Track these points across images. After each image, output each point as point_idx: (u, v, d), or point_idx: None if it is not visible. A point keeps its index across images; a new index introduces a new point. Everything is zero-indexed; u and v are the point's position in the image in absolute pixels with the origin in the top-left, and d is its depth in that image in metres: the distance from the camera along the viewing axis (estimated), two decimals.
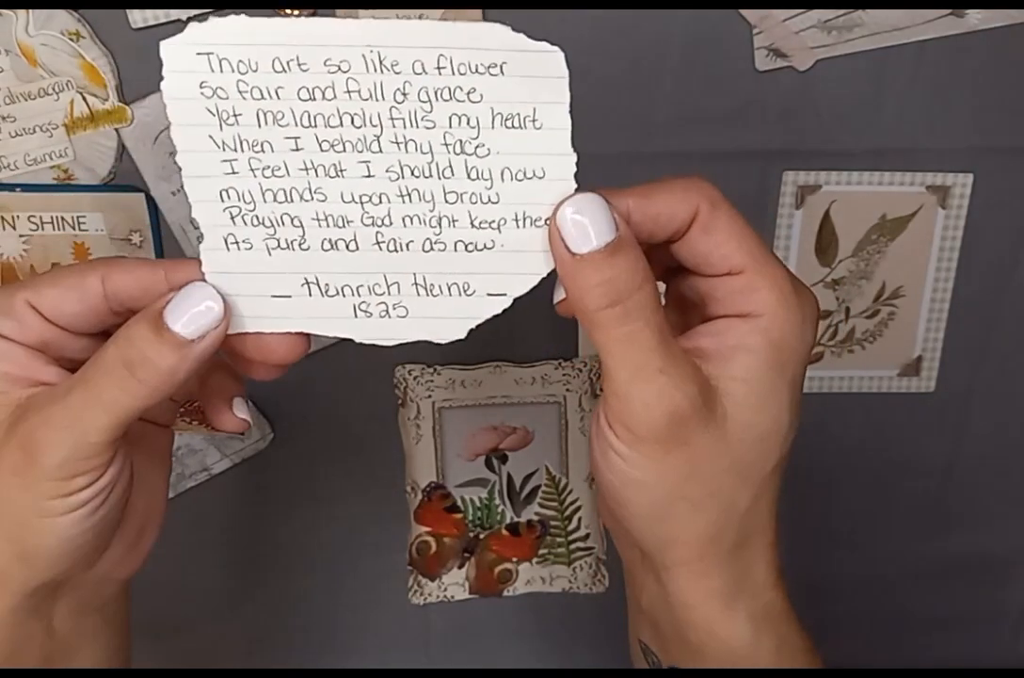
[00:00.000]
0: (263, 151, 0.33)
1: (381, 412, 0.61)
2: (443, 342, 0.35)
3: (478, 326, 0.35)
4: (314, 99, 0.32)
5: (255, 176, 0.33)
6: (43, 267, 0.55)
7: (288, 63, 0.32)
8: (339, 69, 0.32)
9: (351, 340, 0.35)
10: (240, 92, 0.32)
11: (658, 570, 0.37)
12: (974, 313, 0.60)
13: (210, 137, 0.32)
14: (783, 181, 0.56)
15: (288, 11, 0.51)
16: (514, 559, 0.65)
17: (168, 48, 0.32)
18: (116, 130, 0.53)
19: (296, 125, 0.32)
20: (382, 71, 0.32)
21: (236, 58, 0.31)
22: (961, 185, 0.57)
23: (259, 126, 0.32)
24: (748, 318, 0.34)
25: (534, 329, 0.59)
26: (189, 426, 0.60)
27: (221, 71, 0.32)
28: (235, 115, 0.32)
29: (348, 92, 0.32)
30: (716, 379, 0.34)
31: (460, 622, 0.66)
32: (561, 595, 0.66)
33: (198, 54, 0.32)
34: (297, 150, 0.33)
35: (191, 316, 0.32)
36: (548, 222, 0.33)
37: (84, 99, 0.52)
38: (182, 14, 0.50)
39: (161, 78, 0.32)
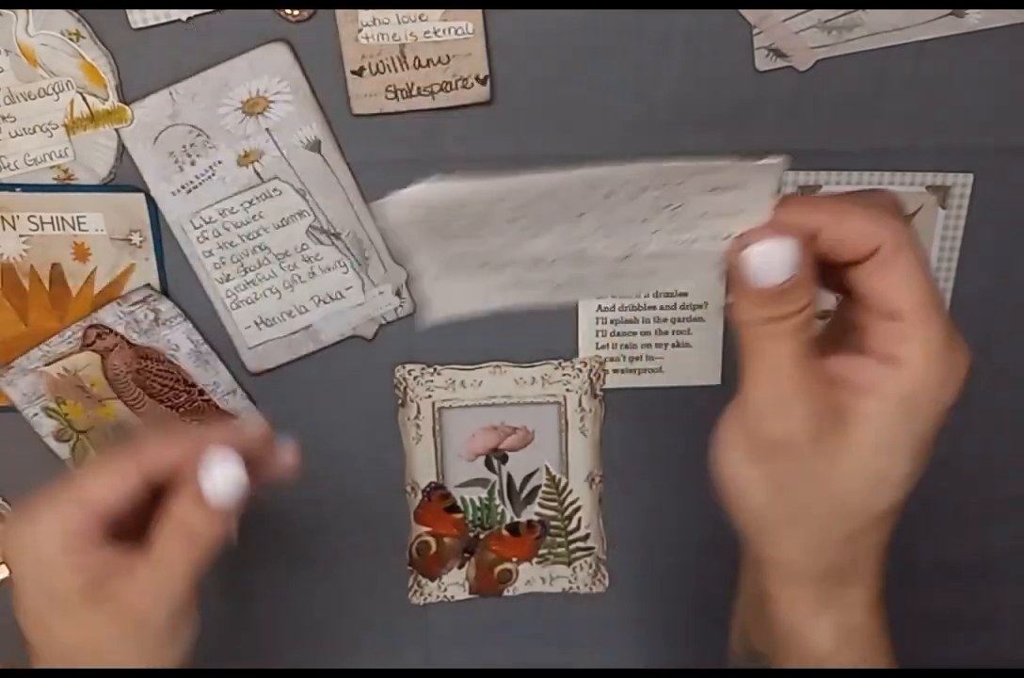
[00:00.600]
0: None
1: (381, 412, 0.61)
2: None
3: None
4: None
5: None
6: (43, 267, 0.55)
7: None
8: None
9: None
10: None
11: (756, 561, 0.40)
12: (973, 313, 0.60)
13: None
14: (783, 181, 0.56)
15: (288, 12, 0.51)
16: (514, 559, 0.65)
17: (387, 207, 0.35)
18: (116, 130, 0.53)
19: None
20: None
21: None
22: (961, 185, 0.57)
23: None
24: (891, 365, 0.35)
25: (534, 329, 0.59)
26: (189, 426, 0.60)
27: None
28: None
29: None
30: (843, 411, 0.35)
31: (460, 622, 0.66)
32: (561, 595, 0.66)
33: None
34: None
35: (224, 487, 0.41)
36: (736, 238, 0.35)
37: (84, 99, 0.52)
38: (182, 14, 0.50)
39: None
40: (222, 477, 0.41)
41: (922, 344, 0.35)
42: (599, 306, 0.59)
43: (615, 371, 0.60)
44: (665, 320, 0.58)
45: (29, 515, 0.43)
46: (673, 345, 0.59)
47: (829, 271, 0.36)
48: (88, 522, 0.42)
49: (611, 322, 0.59)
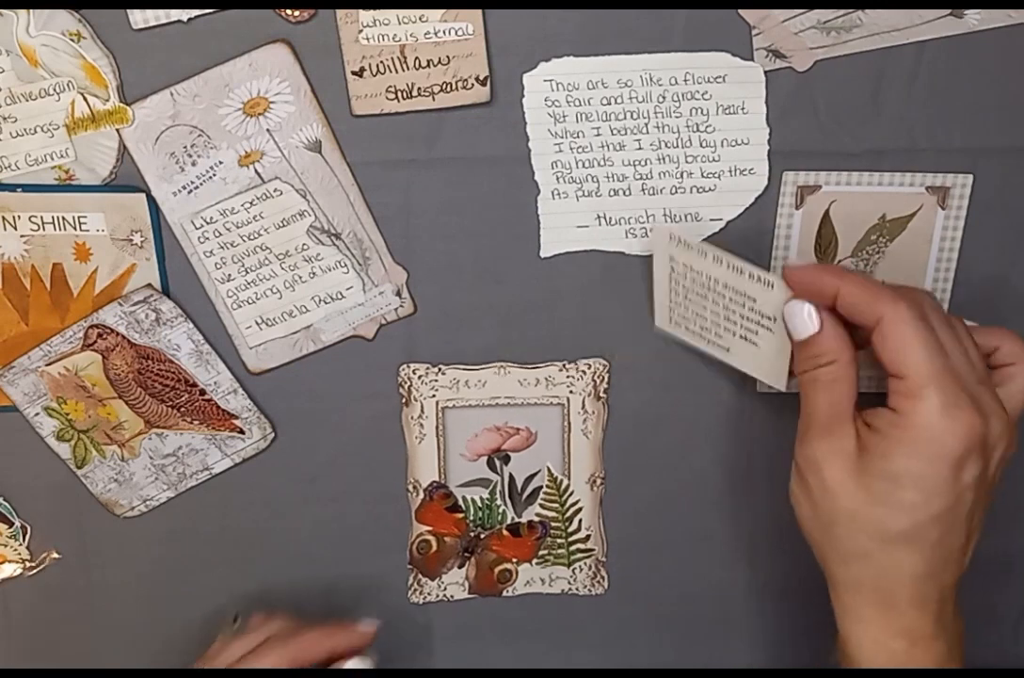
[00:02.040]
0: (577, 137, 0.54)
1: (384, 411, 0.61)
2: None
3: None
4: (610, 104, 0.54)
5: (572, 152, 0.54)
6: (44, 267, 0.55)
7: (595, 82, 0.53)
8: (625, 84, 0.53)
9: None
10: (567, 102, 0.53)
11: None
12: (974, 313, 0.60)
13: (547, 130, 0.54)
14: (783, 181, 0.56)
15: (288, 12, 0.51)
16: (514, 559, 0.65)
17: (528, 79, 0.53)
18: (117, 130, 0.53)
19: (598, 119, 0.54)
20: (651, 84, 0.53)
21: (565, 82, 0.53)
22: (961, 185, 0.57)
23: (576, 122, 0.54)
24: (898, 415, 0.45)
25: (538, 331, 0.59)
26: (190, 426, 0.60)
27: (556, 90, 0.53)
28: (563, 116, 0.54)
29: (630, 98, 0.53)
30: (863, 445, 0.46)
31: (460, 622, 0.66)
32: (560, 596, 0.66)
33: (544, 81, 0.53)
34: (598, 135, 0.54)
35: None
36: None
37: (85, 99, 0.52)
38: (182, 14, 0.50)
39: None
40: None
41: (920, 402, 0.43)
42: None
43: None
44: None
45: None
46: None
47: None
48: None
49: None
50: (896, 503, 0.45)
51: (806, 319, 0.46)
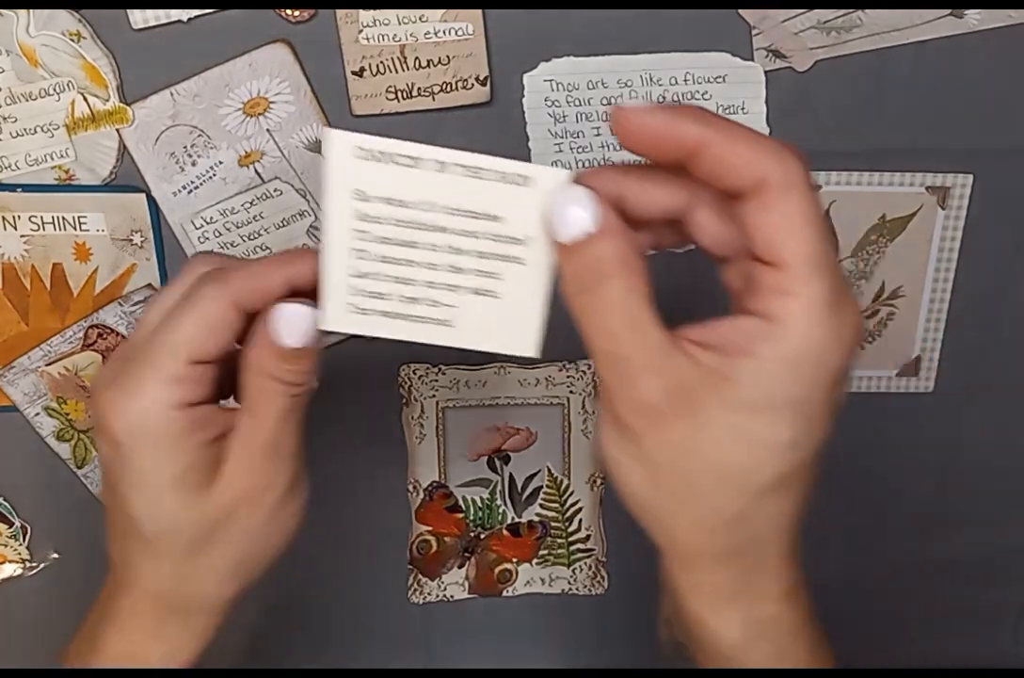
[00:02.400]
0: (577, 137, 0.55)
1: (384, 411, 0.61)
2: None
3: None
4: (610, 104, 0.53)
5: (572, 152, 0.55)
6: (44, 267, 0.55)
7: (595, 82, 0.53)
8: (625, 84, 0.53)
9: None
10: (567, 102, 0.54)
11: (659, 548, 0.37)
12: (973, 313, 0.60)
13: (547, 130, 0.54)
14: None
15: (288, 12, 0.51)
16: (514, 559, 0.65)
17: (527, 79, 0.52)
18: (117, 130, 0.53)
19: (598, 119, 0.54)
20: (651, 84, 0.53)
21: (565, 82, 0.53)
22: (961, 185, 0.57)
23: (576, 122, 0.54)
24: (770, 322, 0.31)
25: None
26: None
27: (556, 90, 0.54)
28: (563, 116, 0.54)
29: (630, 98, 0.53)
30: (713, 375, 0.32)
31: (460, 622, 0.66)
32: (560, 596, 0.66)
33: (544, 81, 0.53)
34: (598, 135, 0.55)
35: (294, 330, 0.36)
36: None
37: (85, 99, 0.52)
38: (182, 14, 0.50)
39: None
40: (293, 320, 0.36)
41: (805, 301, 0.31)
42: None
43: None
44: None
45: (118, 376, 0.37)
46: None
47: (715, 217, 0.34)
48: (199, 373, 0.37)
49: None
50: (775, 445, 0.33)
51: (582, 212, 0.33)
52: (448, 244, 0.35)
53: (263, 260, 0.38)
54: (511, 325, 0.36)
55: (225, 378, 0.39)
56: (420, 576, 0.65)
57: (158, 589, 0.39)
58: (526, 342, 0.37)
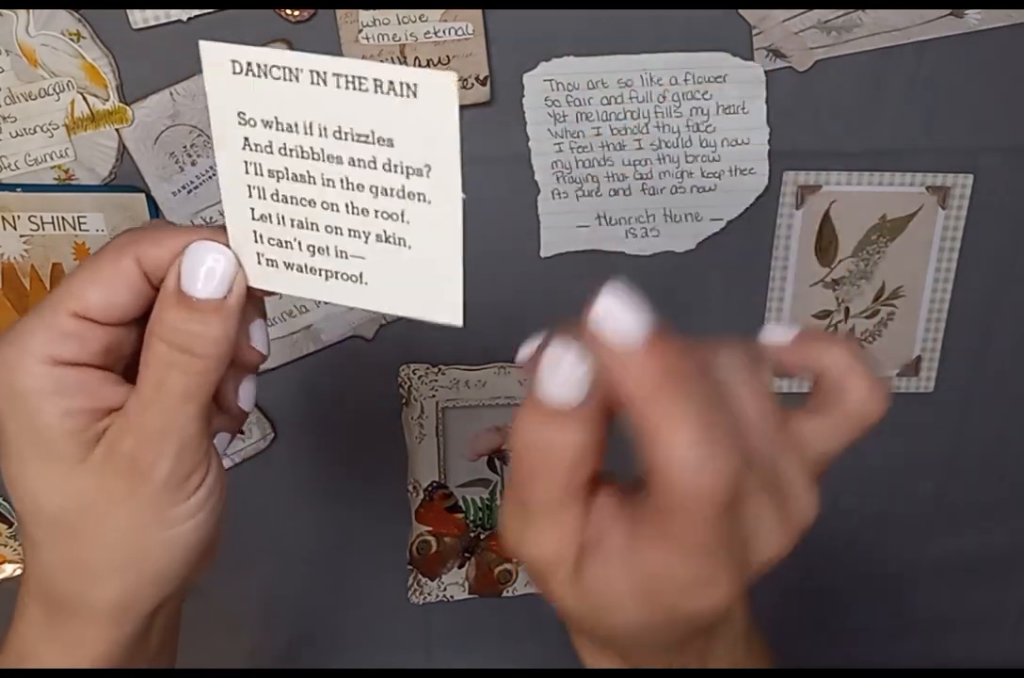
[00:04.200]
0: (577, 137, 0.55)
1: (384, 411, 0.61)
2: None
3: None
4: (610, 104, 0.54)
5: (572, 152, 0.55)
6: (44, 267, 0.55)
7: (595, 82, 0.53)
8: (625, 84, 0.54)
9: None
10: (567, 102, 0.54)
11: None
12: (973, 313, 0.60)
13: (547, 130, 0.55)
14: (783, 181, 0.56)
15: (288, 12, 0.51)
16: (514, 560, 0.65)
17: (528, 79, 0.54)
18: (117, 130, 0.53)
19: (598, 119, 0.54)
20: (651, 84, 0.53)
21: (565, 82, 0.54)
22: (961, 185, 0.57)
23: (576, 122, 0.54)
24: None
25: (538, 331, 0.59)
26: None
27: (556, 90, 0.54)
28: (563, 116, 0.54)
29: (630, 98, 0.54)
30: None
31: (460, 622, 0.66)
32: None
33: (544, 81, 0.53)
34: (598, 135, 0.55)
35: (206, 276, 0.31)
36: None
37: (85, 99, 0.52)
38: (182, 14, 0.50)
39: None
40: (203, 264, 0.31)
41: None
42: None
43: None
44: None
45: (9, 334, 0.32)
46: None
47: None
48: (81, 330, 0.32)
49: None
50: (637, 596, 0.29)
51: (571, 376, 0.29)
52: (344, 177, 0.29)
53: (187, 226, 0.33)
54: (428, 283, 0.30)
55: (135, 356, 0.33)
56: (420, 576, 0.65)
57: (39, 578, 0.34)
58: (449, 306, 0.30)
